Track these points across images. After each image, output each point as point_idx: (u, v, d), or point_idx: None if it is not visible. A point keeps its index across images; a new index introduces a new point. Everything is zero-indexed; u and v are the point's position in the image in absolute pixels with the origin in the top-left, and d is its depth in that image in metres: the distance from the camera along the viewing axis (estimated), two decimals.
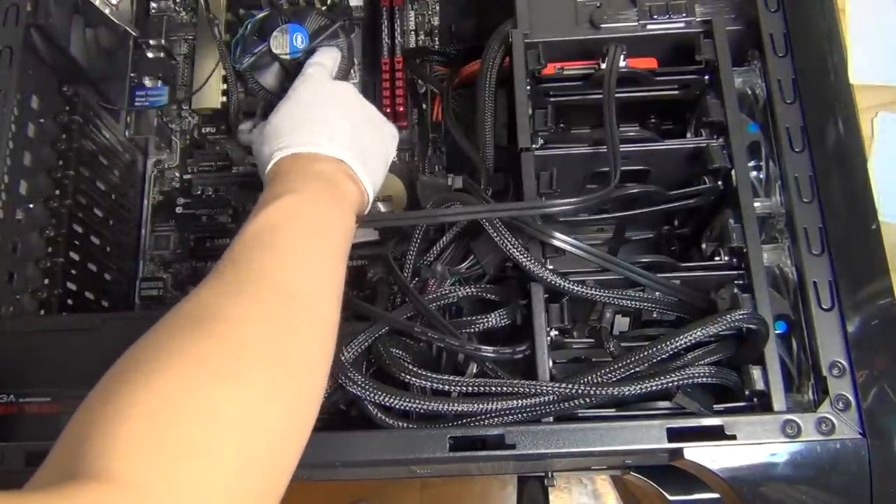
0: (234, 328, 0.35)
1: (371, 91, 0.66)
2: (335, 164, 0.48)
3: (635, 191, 0.52)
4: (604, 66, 0.51)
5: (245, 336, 0.35)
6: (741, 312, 0.45)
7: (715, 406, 0.46)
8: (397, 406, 0.45)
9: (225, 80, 0.64)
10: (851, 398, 0.44)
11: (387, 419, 0.45)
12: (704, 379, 0.45)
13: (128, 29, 0.64)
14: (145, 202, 0.69)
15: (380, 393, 0.45)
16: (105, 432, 0.30)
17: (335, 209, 0.46)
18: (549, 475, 0.61)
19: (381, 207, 0.63)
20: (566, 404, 0.45)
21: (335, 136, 0.48)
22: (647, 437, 0.43)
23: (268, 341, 0.36)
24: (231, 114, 0.61)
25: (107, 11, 0.60)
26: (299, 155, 0.47)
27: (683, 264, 0.50)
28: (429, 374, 0.46)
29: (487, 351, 0.47)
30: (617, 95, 0.51)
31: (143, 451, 0.30)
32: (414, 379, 0.46)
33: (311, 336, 0.39)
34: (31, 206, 0.55)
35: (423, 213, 0.53)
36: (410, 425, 0.45)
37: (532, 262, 0.47)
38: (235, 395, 0.33)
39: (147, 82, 0.69)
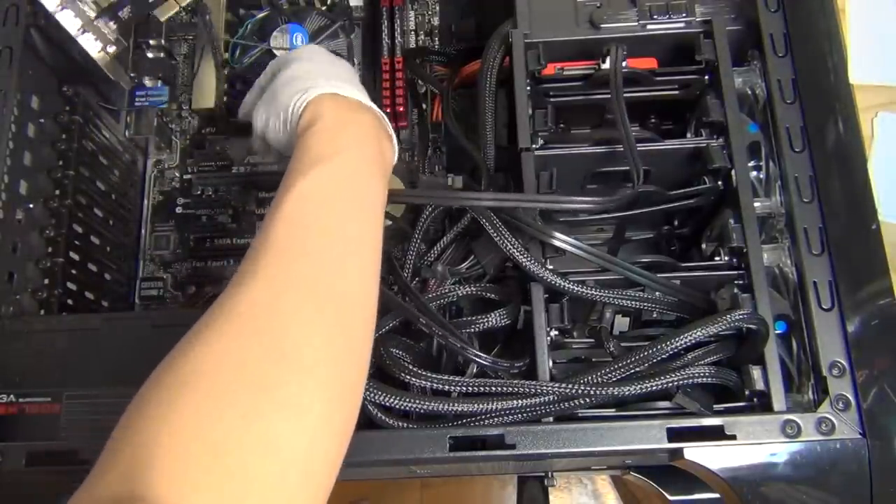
0: (298, 346, 0.34)
1: (371, 91, 0.66)
2: (375, 116, 0.46)
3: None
4: (604, 66, 0.51)
5: (307, 356, 0.34)
6: (741, 312, 0.45)
7: (715, 406, 0.46)
8: (397, 406, 0.45)
9: (226, 79, 0.64)
10: (851, 398, 0.44)
11: (387, 419, 0.45)
12: (704, 379, 0.45)
13: (122, 84, 0.64)
14: (145, 202, 0.69)
15: (380, 393, 0.45)
16: (169, 461, 0.29)
17: (379, 176, 0.43)
18: (549, 475, 0.61)
19: None
20: (566, 404, 0.45)
21: (361, 92, 0.47)
22: (647, 437, 0.43)
23: (329, 360, 0.35)
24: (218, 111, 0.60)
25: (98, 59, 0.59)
26: (339, 96, 0.45)
27: (683, 264, 0.50)
28: (429, 375, 0.46)
29: (486, 360, 0.47)
30: None
31: (210, 488, 0.29)
32: (414, 379, 0.46)
33: (362, 342, 0.38)
34: (31, 206, 0.55)
35: (447, 193, 0.52)
36: (410, 425, 0.45)
37: (532, 262, 0.47)
38: (300, 426, 0.32)
39: (147, 82, 0.69)
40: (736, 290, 0.47)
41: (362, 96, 0.46)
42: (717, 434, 0.43)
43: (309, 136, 0.42)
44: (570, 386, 0.44)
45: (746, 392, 0.46)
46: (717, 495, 0.46)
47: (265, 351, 0.33)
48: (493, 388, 0.45)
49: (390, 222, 0.59)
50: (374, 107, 0.47)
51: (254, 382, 0.32)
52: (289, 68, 0.49)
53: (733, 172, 0.49)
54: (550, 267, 0.48)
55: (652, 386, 0.44)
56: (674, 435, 0.43)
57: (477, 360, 0.47)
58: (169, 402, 0.31)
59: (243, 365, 0.32)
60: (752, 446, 0.43)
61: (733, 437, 0.43)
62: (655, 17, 0.53)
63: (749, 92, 0.53)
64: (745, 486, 0.43)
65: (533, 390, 0.44)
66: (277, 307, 0.35)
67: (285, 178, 0.40)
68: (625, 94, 0.52)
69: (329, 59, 0.51)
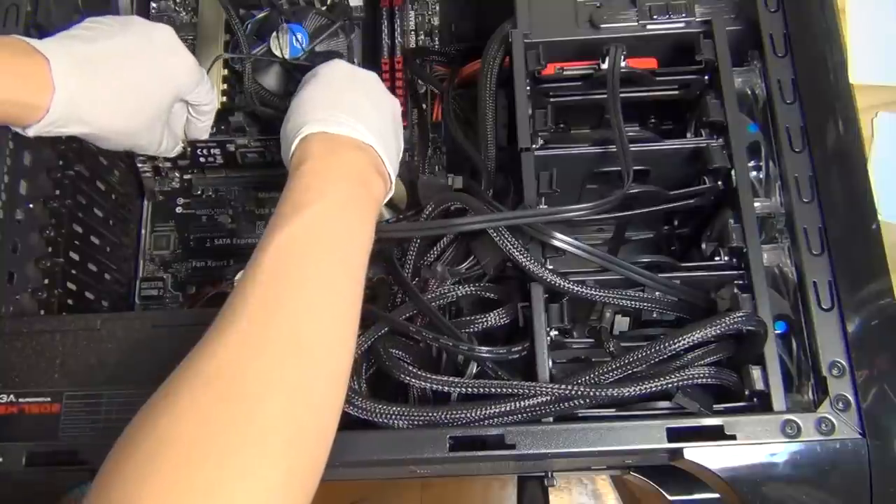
0: (259, 410, 0.34)
1: None
2: (365, 153, 0.46)
3: (636, 191, 0.52)
4: (604, 66, 0.51)
5: (268, 421, 0.34)
6: (740, 314, 0.44)
7: (715, 406, 0.46)
8: (399, 424, 0.45)
9: (225, 80, 0.64)
10: (851, 398, 0.44)
11: (387, 420, 0.45)
12: (704, 380, 0.45)
13: None
14: (145, 202, 0.69)
15: (381, 413, 0.44)
16: None
17: (362, 217, 0.44)
18: (549, 475, 0.61)
19: (384, 211, 0.63)
20: (566, 405, 0.45)
21: (364, 120, 0.47)
22: (647, 437, 0.43)
23: (289, 422, 0.35)
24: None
25: None
26: (330, 135, 0.45)
27: (683, 264, 0.50)
28: (428, 376, 0.46)
29: (482, 351, 0.47)
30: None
31: None
32: (413, 380, 0.46)
33: (327, 400, 0.38)
34: (31, 206, 0.55)
35: (437, 223, 0.52)
36: (410, 426, 0.45)
37: (532, 262, 0.47)
38: (255, 493, 0.33)
39: None
40: (736, 290, 0.47)
41: (360, 130, 0.46)
42: (716, 434, 0.43)
43: (296, 179, 0.43)
44: (569, 387, 0.44)
45: (746, 392, 0.46)
46: (717, 495, 0.46)
47: (230, 416, 0.34)
48: (493, 390, 0.45)
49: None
50: (371, 141, 0.46)
51: (218, 450, 0.33)
52: (304, 90, 0.49)
53: (733, 172, 0.49)
54: (550, 267, 0.48)
55: (651, 387, 0.44)
56: (674, 435, 0.43)
57: (473, 354, 0.47)
58: (141, 475, 0.32)
59: (208, 433, 0.33)
60: (751, 446, 0.43)
61: (733, 437, 0.43)
62: (655, 17, 0.53)
63: (749, 92, 0.53)
64: (744, 486, 0.43)
65: (533, 391, 0.44)
66: (245, 369, 0.35)
67: (272, 220, 0.41)
68: (624, 94, 0.52)
69: (345, 82, 0.50)
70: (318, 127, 0.45)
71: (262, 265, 0.39)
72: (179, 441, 0.33)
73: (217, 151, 0.63)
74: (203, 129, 0.59)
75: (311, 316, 0.38)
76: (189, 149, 0.61)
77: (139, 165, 0.67)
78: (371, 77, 0.52)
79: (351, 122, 0.46)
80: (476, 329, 0.49)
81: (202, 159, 0.64)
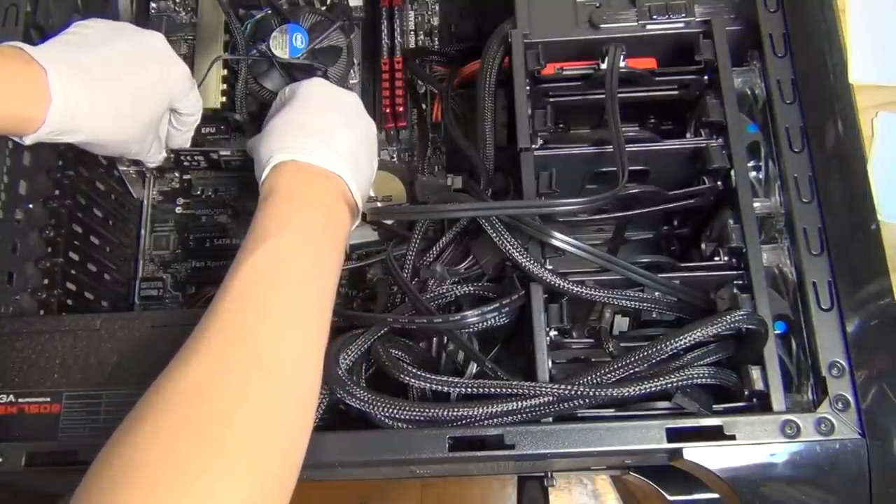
0: (223, 430, 0.35)
1: (371, 91, 0.66)
2: (332, 183, 0.47)
3: (635, 191, 0.52)
4: (603, 66, 0.51)
5: (232, 442, 0.35)
6: (740, 313, 0.44)
7: (714, 406, 0.46)
8: (399, 416, 0.45)
9: (225, 80, 0.64)
10: (851, 398, 0.44)
11: (386, 420, 0.45)
12: (704, 380, 0.45)
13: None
14: (145, 202, 0.69)
15: (381, 405, 0.44)
16: None
17: (329, 245, 0.45)
18: (549, 475, 0.61)
19: None
20: (565, 405, 0.45)
21: (336, 147, 0.47)
22: (647, 437, 0.43)
23: (254, 443, 0.36)
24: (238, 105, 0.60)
25: None
26: (299, 164, 0.46)
27: (683, 264, 0.50)
28: (427, 376, 0.46)
29: (471, 315, 0.47)
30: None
31: None
32: (413, 380, 0.46)
33: (295, 419, 0.39)
34: (30, 206, 0.55)
35: (428, 207, 0.53)
36: (410, 425, 0.45)
37: (531, 262, 0.47)
38: None
39: None
40: (735, 291, 0.47)
41: (330, 159, 0.46)
42: (716, 434, 0.43)
43: (264, 208, 0.44)
44: (569, 387, 0.44)
45: (746, 392, 0.46)
46: (716, 495, 0.46)
47: (195, 438, 0.34)
48: (492, 390, 0.45)
49: (390, 222, 0.59)
50: (340, 170, 0.47)
51: (183, 472, 0.33)
52: (280, 113, 0.50)
53: (733, 172, 0.49)
54: (550, 267, 0.48)
55: (651, 387, 0.44)
56: (673, 435, 0.43)
57: (461, 321, 0.47)
58: (114, 496, 0.32)
59: (174, 455, 0.34)
60: (751, 446, 0.43)
61: (733, 438, 0.43)
62: (655, 17, 0.53)
63: (749, 92, 0.53)
64: (744, 486, 0.43)
65: (532, 391, 0.44)
66: (210, 392, 0.36)
67: (240, 248, 0.42)
68: (624, 94, 0.52)
69: (322, 104, 0.50)
70: (288, 155, 0.46)
71: (228, 294, 0.40)
72: (147, 464, 0.33)
73: (200, 158, 0.64)
74: (183, 140, 0.60)
75: (276, 341, 0.39)
76: (172, 156, 0.62)
77: (122, 169, 0.65)
78: (349, 98, 0.52)
79: (321, 150, 0.46)
80: (476, 329, 0.49)
81: (185, 163, 0.65)
